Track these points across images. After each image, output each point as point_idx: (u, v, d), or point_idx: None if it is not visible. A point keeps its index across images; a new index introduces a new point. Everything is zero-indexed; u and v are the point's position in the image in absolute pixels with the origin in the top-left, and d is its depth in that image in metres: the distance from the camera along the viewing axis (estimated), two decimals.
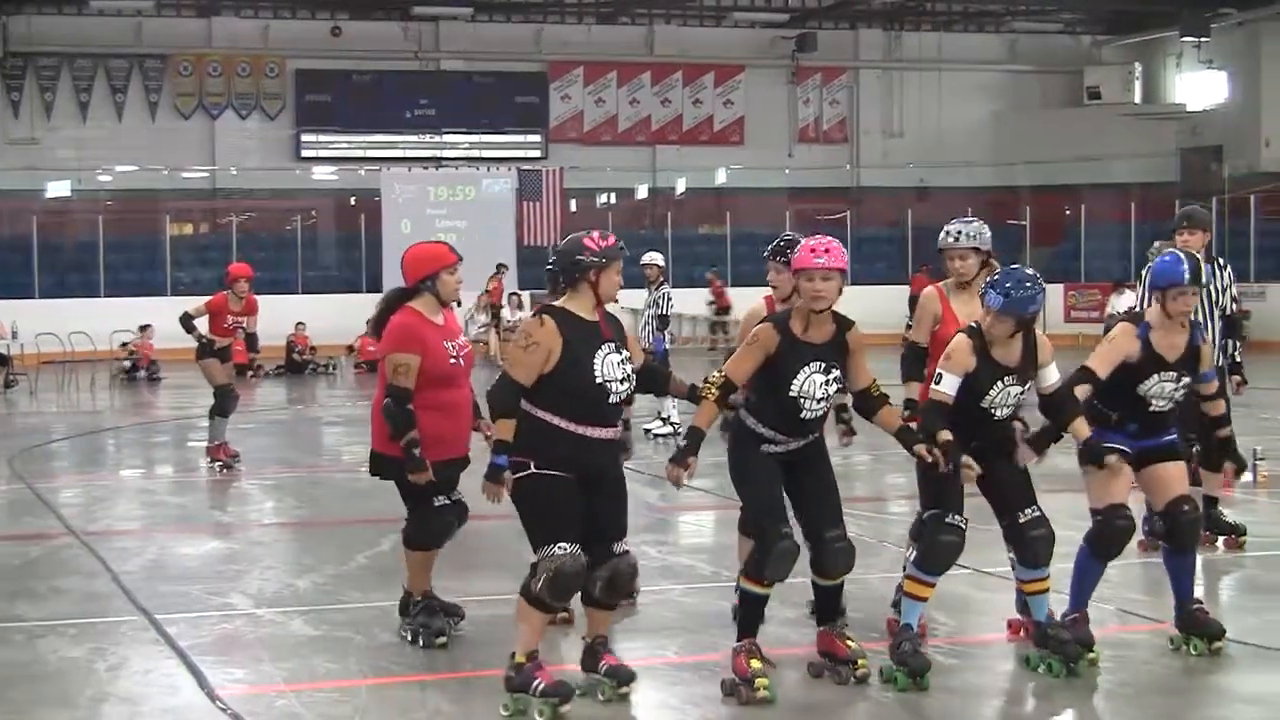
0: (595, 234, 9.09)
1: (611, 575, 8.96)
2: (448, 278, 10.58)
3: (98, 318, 37.60)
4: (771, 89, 51.72)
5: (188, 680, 9.99)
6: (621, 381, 8.89)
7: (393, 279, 42.18)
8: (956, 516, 9.52)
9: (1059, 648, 9.54)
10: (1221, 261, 14.08)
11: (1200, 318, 13.00)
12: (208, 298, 20.65)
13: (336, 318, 40.17)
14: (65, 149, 45.48)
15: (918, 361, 10.81)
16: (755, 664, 8.88)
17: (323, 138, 47.71)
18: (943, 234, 10.88)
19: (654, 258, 23.02)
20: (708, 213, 48.29)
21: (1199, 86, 51.92)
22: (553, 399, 8.75)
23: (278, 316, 37.66)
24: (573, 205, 47.52)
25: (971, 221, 10.98)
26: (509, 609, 11.03)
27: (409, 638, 10.43)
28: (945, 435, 9.27)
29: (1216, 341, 13.54)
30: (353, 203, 46.65)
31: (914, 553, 10.00)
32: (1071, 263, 46.17)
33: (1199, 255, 13.38)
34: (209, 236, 46.05)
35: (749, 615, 9.10)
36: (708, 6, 48.64)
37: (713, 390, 8.82)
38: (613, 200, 49.14)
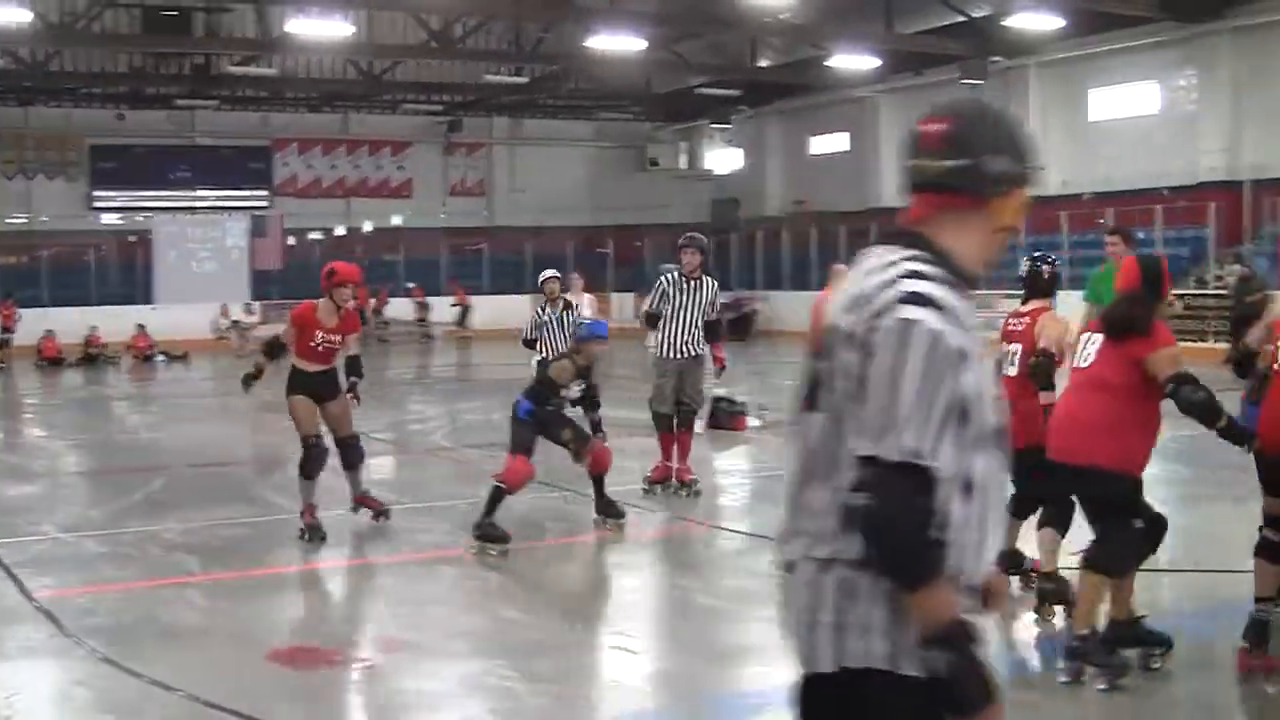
0: None
1: None
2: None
3: None
4: (431, 158, 51.40)
5: (11, 587, 9.91)
6: None
7: (163, 294, 41.24)
8: None
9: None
10: (709, 278, 13.43)
11: (696, 317, 13.08)
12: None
13: (120, 322, 39.19)
14: None
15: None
16: None
17: (110, 193, 46.26)
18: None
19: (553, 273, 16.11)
20: (389, 245, 47.88)
21: (724, 158, 52.88)
22: None
23: (77, 323, 36.96)
24: (291, 240, 46.92)
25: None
26: (238, 530, 11.05)
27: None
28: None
29: (699, 337, 13.09)
30: (132, 240, 45.39)
31: None
32: (640, 279, 46.79)
33: (699, 272, 13.44)
34: (27, 266, 44.31)
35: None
36: (386, 100, 48.15)
37: None
38: (320, 237, 48.48)
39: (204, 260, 44.65)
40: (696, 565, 10.62)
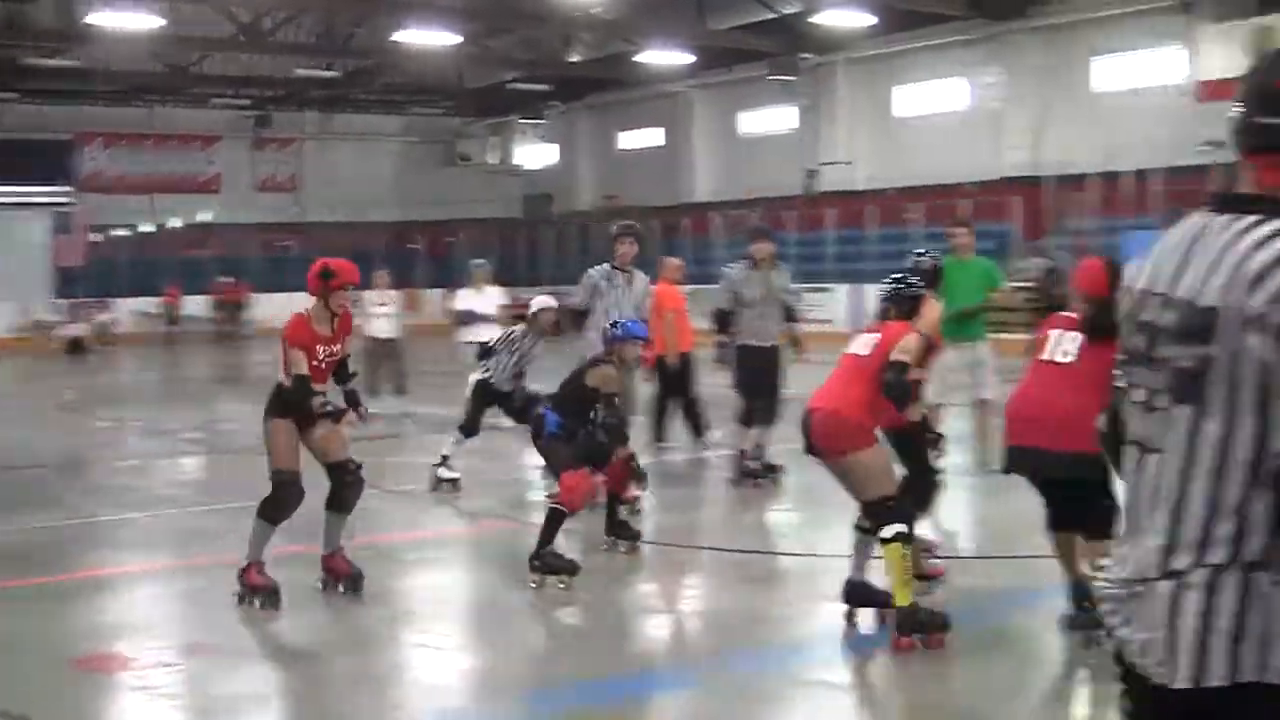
0: None
1: None
2: None
3: None
4: (240, 153, 50.83)
5: None
6: None
7: None
8: None
9: None
10: (641, 273, 12.64)
11: (629, 315, 11.79)
12: None
13: None
14: None
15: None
16: None
17: None
18: None
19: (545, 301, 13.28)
20: (198, 241, 47.22)
21: (536, 154, 53.06)
22: None
23: None
24: (96, 237, 46.03)
25: None
26: (43, 535, 10.79)
27: None
28: None
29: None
30: None
31: None
32: (452, 274, 46.59)
33: (632, 264, 12.42)
34: None
35: None
36: (194, 94, 47.45)
37: None
38: (126, 234, 47.62)
39: (4, 257, 43.56)
40: (505, 562, 10.51)
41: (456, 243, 46.62)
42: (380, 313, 19.90)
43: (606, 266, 12.48)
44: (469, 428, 12.71)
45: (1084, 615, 7.70)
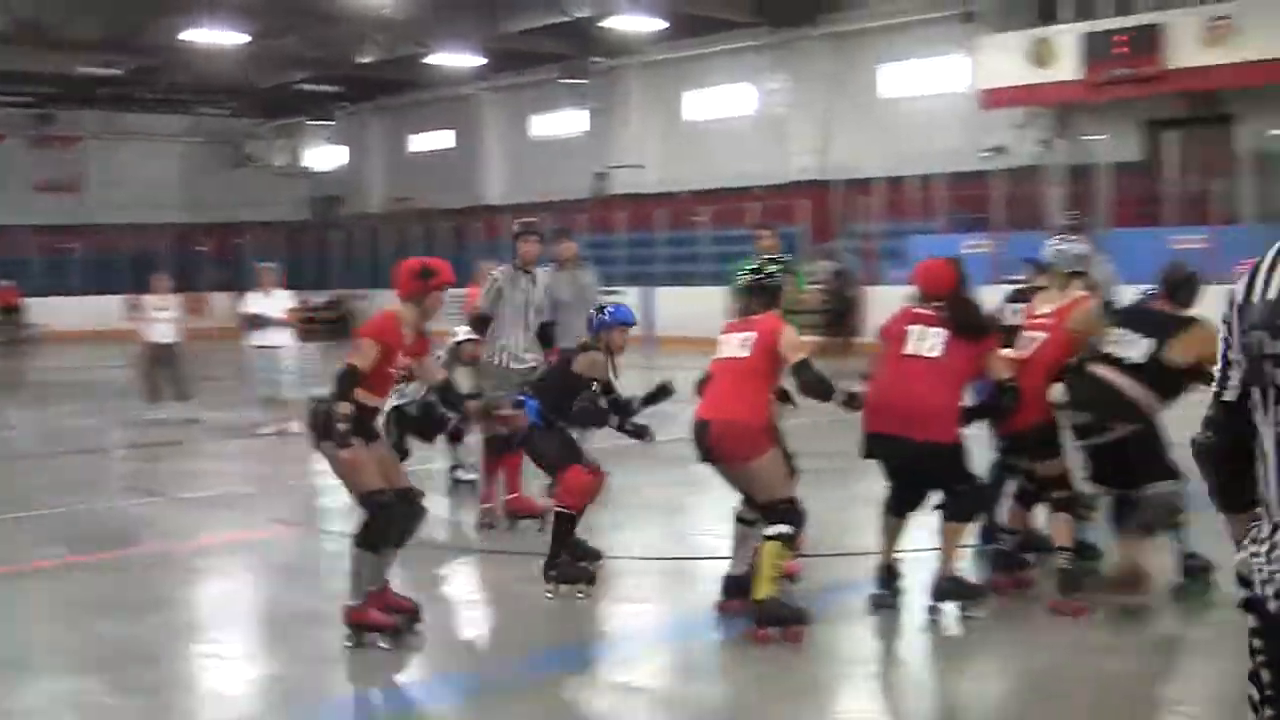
0: None
1: None
2: None
3: None
4: (19, 152, 49.39)
5: None
6: None
7: None
8: None
9: None
10: (544, 273, 12.05)
11: (534, 319, 11.78)
12: None
13: None
14: None
15: None
16: None
17: None
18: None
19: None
20: None
21: (325, 155, 52.53)
22: None
23: None
24: None
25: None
26: None
27: None
28: None
29: (536, 342, 11.79)
30: None
31: None
32: (239, 277, 45.87)
33: (535, 265, 11.73)
34: None
35: None
36: None
37: None
38: None
39: None
40: (296, 569, 10.35)
41: (244, 245, 45.85)
42: (161, 317, 19.44)
43: (509, 267, 11.74)
44: (400, 452, 12.17)
45: (888, 595, 8.17)
